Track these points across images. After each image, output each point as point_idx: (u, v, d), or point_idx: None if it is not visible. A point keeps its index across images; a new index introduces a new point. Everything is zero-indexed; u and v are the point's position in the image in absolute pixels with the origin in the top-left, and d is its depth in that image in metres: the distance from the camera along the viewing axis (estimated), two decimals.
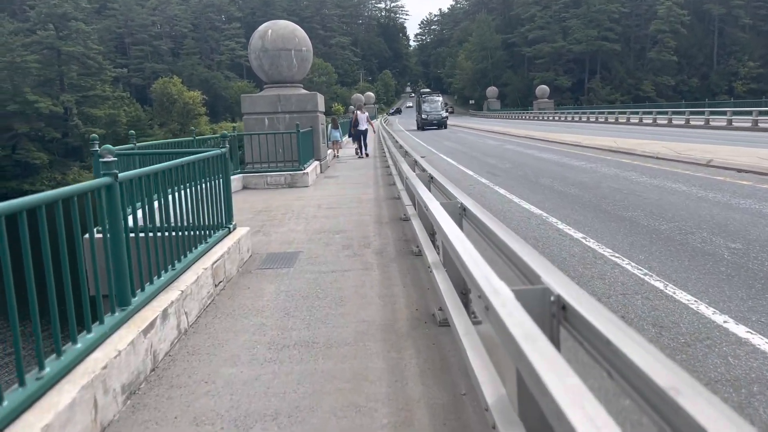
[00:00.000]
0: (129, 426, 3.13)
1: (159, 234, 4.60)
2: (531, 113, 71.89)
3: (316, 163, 16.44)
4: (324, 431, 3.00)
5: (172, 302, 4.25)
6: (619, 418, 1.95)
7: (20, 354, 2.72)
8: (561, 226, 8.53)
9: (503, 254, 3.22)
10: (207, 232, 5.90)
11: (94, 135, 8.96)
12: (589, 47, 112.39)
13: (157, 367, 3.84)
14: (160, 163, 5.50)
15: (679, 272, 6.02)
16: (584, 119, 52.78)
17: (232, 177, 13.14)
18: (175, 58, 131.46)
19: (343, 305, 4.97)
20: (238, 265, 6.32)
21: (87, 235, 3.60)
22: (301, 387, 3.48)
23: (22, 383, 2.71)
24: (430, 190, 6.40)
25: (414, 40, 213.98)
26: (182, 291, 4.49)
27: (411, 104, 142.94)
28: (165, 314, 4.08)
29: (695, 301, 5.11)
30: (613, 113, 48.87)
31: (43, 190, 3.78)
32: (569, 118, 56.46)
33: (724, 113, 32.69)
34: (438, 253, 4.92)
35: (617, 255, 6.77)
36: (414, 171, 8.37)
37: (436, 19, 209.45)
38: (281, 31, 16.47)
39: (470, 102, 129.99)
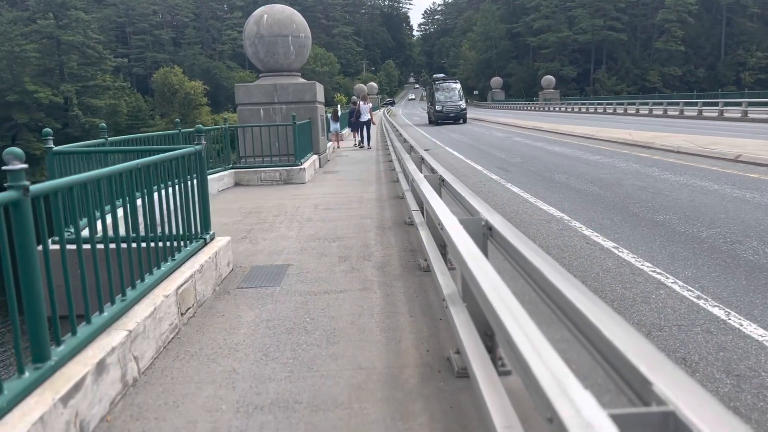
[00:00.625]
0: None
1: (108, 250, 3.64)
2: (536, 104, 70.62)
3: (315, 157, 15.45)
4: None
5: (114, 348, 3.29)
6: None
7: None
8: (586, 232, 7.55)
9: (555, 304, 2.27)
10: (177, 245, 4.94)
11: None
12: (594, 37, 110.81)
13: None
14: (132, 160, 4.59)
15: (738, 294, 5.05)
16: (591, 110, 51.57)
17: (223, 173, 12.23)
18: (177, 47, 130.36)
19: (336, 342, 4.01)
20: (215, 283, 5.36)
21: None
22: None
23: None
24: (440, 196, 5.44)
25: (417, 30, 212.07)
26: (130, 331, 3.53)
27: (413, 96, 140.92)
28: (101, 367, 3.13)
29: None
30: (621, 104, 47.65)
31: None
32: (575, 109, 55.24)
33: (739, 104, 31.53)
34: (455, 281, 3.95)
35: (659, 270, 5.79)
36: (421, 171, 7.39)
37: (439, 8, 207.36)
38: (278, 15, 15.43)
39: (474, 92, 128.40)
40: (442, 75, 51.84)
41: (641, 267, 5.96)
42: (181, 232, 5.12)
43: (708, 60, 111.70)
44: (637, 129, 24.71)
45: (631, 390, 1.45)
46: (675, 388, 1.33)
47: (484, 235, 3.45)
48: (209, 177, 11.67)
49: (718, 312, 4.65)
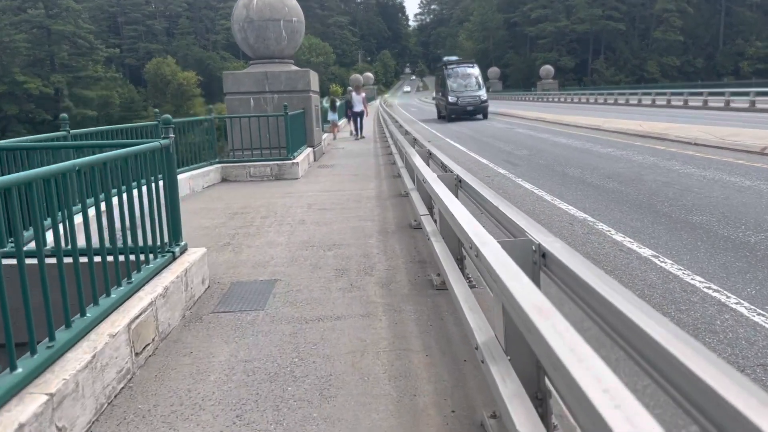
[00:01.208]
0: None
1: (25, 276, 2.71)
2: (535, 94, 69.54)
3: (309, 150, 14.48)
4: None
5: (23, 426, 2.36)
6: None
7: None
8: (617, 236, 6.63)
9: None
10: (135, 263, 4.01)
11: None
12: (593, 27, 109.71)
13: None
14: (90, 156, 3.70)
15: None
16: (591, 100, 50.57)
17: (208, 168, 11.24)
18: (170, 37, 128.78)
19: (333, 397, 3.09)
20: (185, 307, 4.42)
21: None
22: None
23: None
24: (457, 196, 4.51)
25: (413, 20, 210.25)
26: (52, 394, 2.60)
27: (408, 88, 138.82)
28: None
29: None
30: (623, 94, 46.63)
31: None
32: (575, 100, 54.23)
33: (746, 94, 30.59)
34: (485, 318, 3.00)
35: (714, 287, 4.88)
36: (428, 165, 6.44)
37: None
38: None
39: None
40: (455, 58, 38.59)
41: (692, 282, 5.05)
42: (144, 245, 4.19)
43: (707, 50, 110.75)
44: (642, 119, 23.76)
45: None
46: None
47: (536, 264, 2.52)
48: (194, 173, 10.75)
49: None
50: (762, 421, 1.06)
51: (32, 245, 3.56)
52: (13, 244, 4.16)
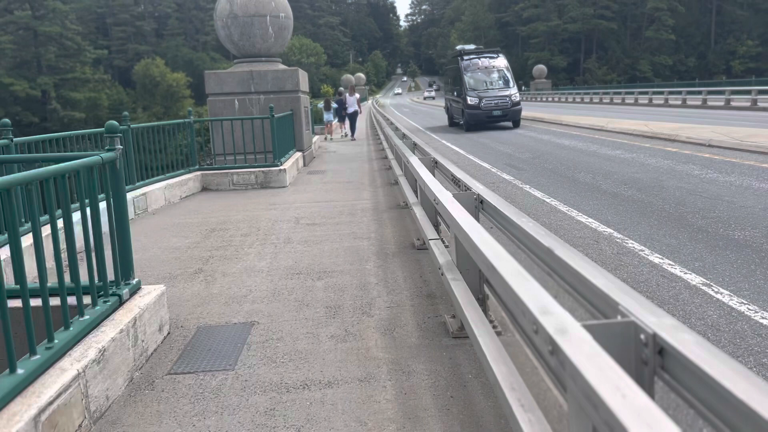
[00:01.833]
0: None
1: None
2: (528, 94, 68.77)
3: (298, 154, 13.50)
4: None
5: None
6: None
7: None
8: (654, 257, 5.70)
9: None
10: (67, 312, 3.03)
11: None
12: (584, 26, 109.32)
13: None
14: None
15: None
16: (586, 99, 49.82)
17: (186, 177, 10.23)
18: (159, 39, 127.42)
19: None
20: (133, 367, 3.44)
21: None
22: None
23: None
24: (478, 219, 3.57)
25: (404, 21, 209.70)
26: None
27: (399, 90, 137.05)
28: None
29: None
30: (619, 93, 45.88)
31: None
32: (569, 99, 53.47)
33: (748, 92, 29.86)
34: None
35: None
36: (433, 174, 5.48)
37: None
38: None
39: None
40: (472, 46, 30.02)
41: (763, 322, 4.12)
42: (77, 289, 3.21)
43: (698, 49, 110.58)
44: (643, 119, 22.93)
45: None
46: None
47: (646, 363, 1.57)
48: (170, 182, 9.71)
49: None
50: None
51: None
52: None
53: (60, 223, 3.18)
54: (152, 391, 3.26)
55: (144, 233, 7.24)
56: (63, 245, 3.24)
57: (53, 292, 3.00)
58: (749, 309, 4.35)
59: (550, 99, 59.02)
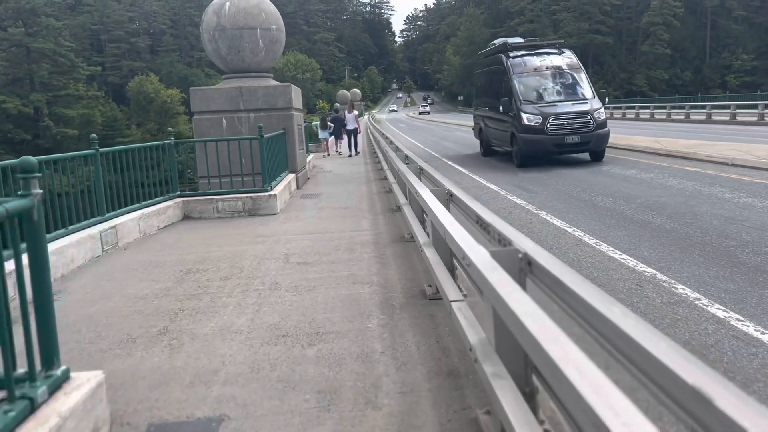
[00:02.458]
0: None
1: None
2: None
3: (291, 176, 12.52)
4: None
5: None
6: None
7: None
8: (718, 311, 4.71)
9: None
10: None
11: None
12: (580, 41, 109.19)
13: None
14: None
15: None
16: None
17: (165, 204, 9.19)
18: (154, 55, 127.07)
19: None
20: None
21: None
22: None
23: None
24: (525, 287, 2.58)
25: (399, 36, 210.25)
26: None
27: (395, 107, 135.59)
28: None
29: None
30: (619, 108, 45.29)
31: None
32: None
33: (754, 107, 29.14)
34: None
35: None
36: (441, 206, 4.50)
37: (421, 14, 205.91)
38: (243, 3, 12.50)
39: (459, 98, 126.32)
40: (520, 40, 20.18)
41: None
42: None
43: (694, 63, 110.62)
44: (651, 135, 22.11)
45: None
46: None
47: None
48: (145, 211, 8.55)
49: None
50: None
51: None
52: None
53: None
54: None
55: (108, 276, 6.22)
56: None
57: None
58: None
59: None
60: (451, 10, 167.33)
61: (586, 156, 16.24)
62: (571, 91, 16.40)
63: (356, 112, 24.29)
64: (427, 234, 5.75)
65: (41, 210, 2.81)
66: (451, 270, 4.76)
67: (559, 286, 2.44)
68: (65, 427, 2.63)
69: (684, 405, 1.38)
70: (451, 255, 4.79)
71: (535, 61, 16.86)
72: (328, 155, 23.66)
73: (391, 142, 15.22)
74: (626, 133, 24.53)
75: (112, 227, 7.49)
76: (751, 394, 1.43)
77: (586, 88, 16.54)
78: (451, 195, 5.03)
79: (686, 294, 5.15)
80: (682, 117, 34.69)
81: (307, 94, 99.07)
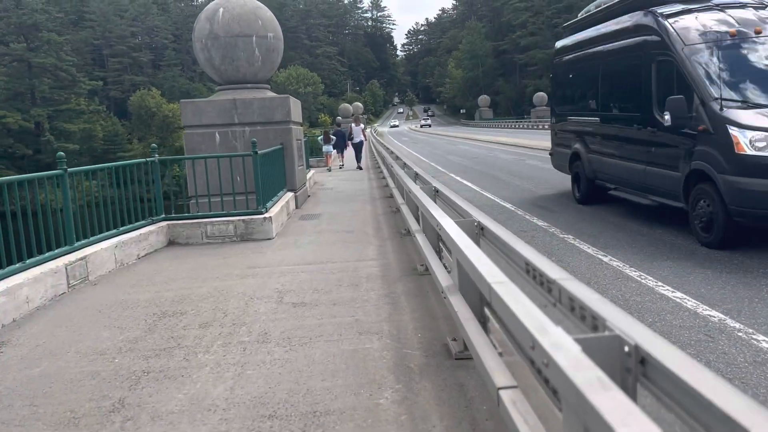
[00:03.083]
0: None
1: None
2: (529, 121, 67.37)
3: (289, 195, 11.55)
4: None
5: None
6: None
7: None
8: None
9: None
10: None
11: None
12: None
13: None
14: None
15: None
16: None
17: (147, 230, 8.18)
18: (156, 69, 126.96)
19: None
20: None
21: None
22: None
23: None
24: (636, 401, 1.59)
25: (401, 50, 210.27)
26: None
27: (396, 122, 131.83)
28: None
29: None
30: None
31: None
32: None
33: None
34: None
35: None
36: (479, 246, 3.51)
37: (422, 28, 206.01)
38: (238, 10, 11.62)
39: (461, 111, 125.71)
40: None
41: None
42: None
43: None
44: None
45: None
46: None
47: None
48: (123, 238, 7.37)
49: None
50: None
51: None
52: None
53: None
54: None
55: (67, 321, 5.23)
56: None
57: None
58: None
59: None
60: (452, 23, 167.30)
61: None
62: None
63: (362, 125, 24.87)
64: (446, 269, 4.77)
65: None
66: (483, 322, 3.77)
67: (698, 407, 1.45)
68: None
69: None
70: (480, 301, 3.80)
71: (728, 20, 8.06)
72: (330, 170, 23.00)
73: (397, 158, 14.26)
74: None
75: (81, 258, 6.50)
76: None
77: None
78: (482, 228, 4.04)
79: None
80: None
81: (309, 108, 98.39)
